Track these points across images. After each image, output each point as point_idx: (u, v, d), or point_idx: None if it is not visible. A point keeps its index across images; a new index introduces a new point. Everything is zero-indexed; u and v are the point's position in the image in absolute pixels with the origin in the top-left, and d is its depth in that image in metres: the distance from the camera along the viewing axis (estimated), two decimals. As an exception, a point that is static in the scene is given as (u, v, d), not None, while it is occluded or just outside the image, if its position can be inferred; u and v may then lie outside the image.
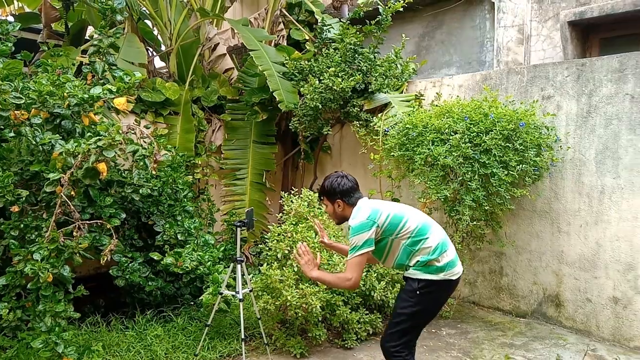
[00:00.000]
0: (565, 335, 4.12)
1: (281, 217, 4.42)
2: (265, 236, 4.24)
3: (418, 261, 2.57)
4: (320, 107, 5.15)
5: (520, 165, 3.83)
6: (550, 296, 4.36)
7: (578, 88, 4.10)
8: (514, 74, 4.53)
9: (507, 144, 3.85)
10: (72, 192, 3.24)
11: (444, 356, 3.81)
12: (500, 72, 4.66)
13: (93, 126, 3.51)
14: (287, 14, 6.67)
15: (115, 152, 3.17)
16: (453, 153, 3.92)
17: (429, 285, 2.56)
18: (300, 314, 3.71)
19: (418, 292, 2.56)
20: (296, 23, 6.64)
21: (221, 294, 3.62)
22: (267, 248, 4.14)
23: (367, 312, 4.14)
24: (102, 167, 3.12)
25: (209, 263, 4.12)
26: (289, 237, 4.04)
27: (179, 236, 4.28)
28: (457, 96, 4.80)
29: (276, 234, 4.11)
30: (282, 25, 6.57)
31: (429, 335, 4.19)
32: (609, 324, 3.99)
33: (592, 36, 5.59)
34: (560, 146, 4.17)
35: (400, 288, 2.78)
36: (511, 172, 3.84)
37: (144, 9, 5.93)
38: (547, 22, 5.72)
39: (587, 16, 5.22)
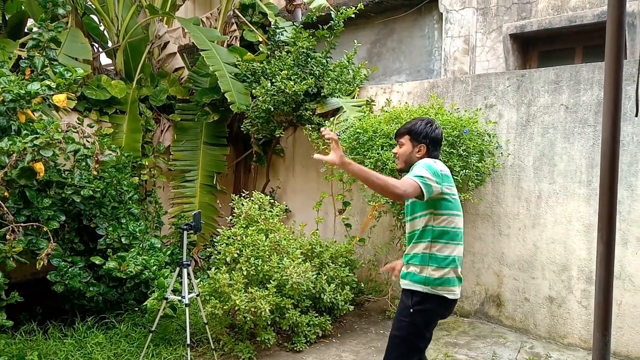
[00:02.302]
0: (506, 334, 4.31)
1: (231, 220, 4.37)
2: (215, 239, 4.17)
3: (418, 255, 2.40)
4: (273, 109, 5.14)
5: (464, 171, 3.98)
6: (492, 296, 4.54)
7: (518, 98, 4.32)
8: (459, 82, 4.71)
9: (452, 150, 3.99)
10: (6, 193, 3.07)
11: (391, 357, 3.88)
12: (447, 81, 4.83)
13: (30, 124, 3.33)
14: (240, 15, 6.62)
15: (54, 152, 3.03)
16: (401, 158, 4.02)
17: (423, 302, 2.36)
18: (249, 318, 3.67)
19: (412, 310, 2.36)
20: (249, 24, 6.60)
21: (166, 299, 3.52)
22: (216, 251, 4.08)
23: (317, 314, 4.16)
24: (39, 166, 2.97)
25: (154, 267, 4.01)
26: (239, 241, 3.99)
27: (123, 240, 4.13)
28: (406, 103, 4.93)
29: (226, 237, 4.06)
30: (235, 26, 6.51)
31: (377, 337, 4.26)
32: (545, 322, 4.21)
33: (532, 49, 5.90)
34: (501, 153, 4.37)
35: (398, 304, 2.55)
36: (455, 177, 3.98)
37: (90, 3, 5.71)
38: (491, 34, 5.99)
39: (527, 30, 5.51)
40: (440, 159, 2.57)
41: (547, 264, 4.18)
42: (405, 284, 2.45)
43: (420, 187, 2.23)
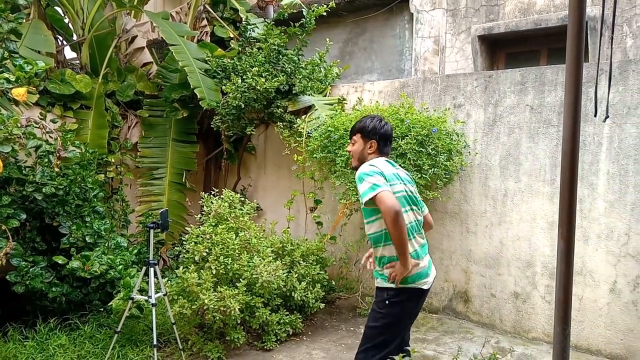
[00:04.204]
0: (473, 329, 4.40)
1: (200, 218, 4.31)
2: (184, 238, 4.10)
3: (385, 257, 2.46)
4: (243, 106, 5.09)
5: (433, 169, 4.03)
6: (460, 292, 4.63)
7: (485, 98, 4.41)
8: (429, 82, 4.77)
9: (421, 149, 4.04)
10: (-39, 191, 2.93)
11: (360, 354, 3.91)
12: (417, 81, 4.89)
13: (-12, 118, 3.20)
14: (211, 10, 6.52)
15: (13, 147, 2.91)
16: (372, 156, 4.04)
17: (398, 295, 2.42)
18: (218, 318, 3.63)
19: (387, 302, 2.43)
20: (220, 20, 6.51)
21: (132, 299, 3.45)
22: (185, 250, 4.01)
23: (288, 313, 4.15)
24: (-3, 163, 2.85)
25: (120, 267, 3.91)
26: (208, 239, 3.94)
27: (87, 238, 4.02)
28: (377, 101, 4.96)
29: (194, 236, 4.00)
30: (205, 22, 6.41)
31: (347, 334, 4.28)
32: (511, 317, 4.32)
33: (499, 50, 6.04)
34: (469, 152, 4.45)
35: (374, 298, 2.59)
36: (424, 176, 4.04)
37: (54, -6, 5.52)
38: (460, 35, 6.10)
39: (495, 32, 5.63)
40: (391, 156, 2.62)
41: (512, 261, 4.28)
42: (379, 282, 2.50)
43: (382, 193, 2.27)
